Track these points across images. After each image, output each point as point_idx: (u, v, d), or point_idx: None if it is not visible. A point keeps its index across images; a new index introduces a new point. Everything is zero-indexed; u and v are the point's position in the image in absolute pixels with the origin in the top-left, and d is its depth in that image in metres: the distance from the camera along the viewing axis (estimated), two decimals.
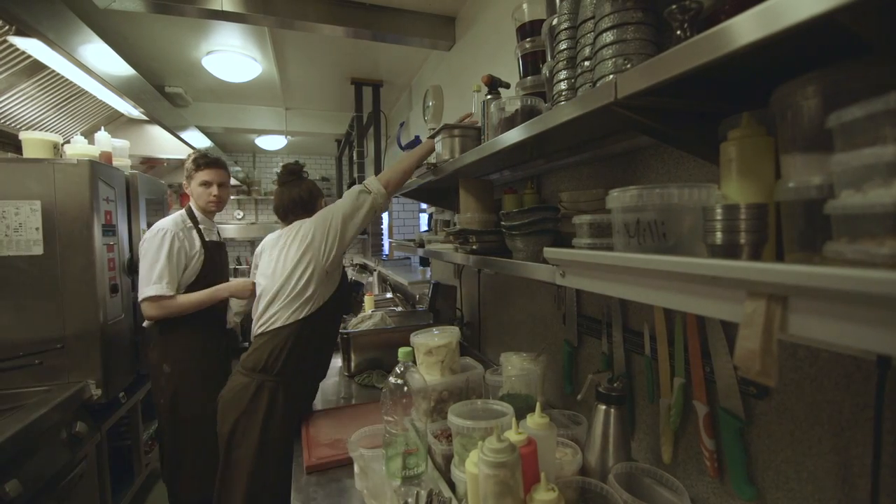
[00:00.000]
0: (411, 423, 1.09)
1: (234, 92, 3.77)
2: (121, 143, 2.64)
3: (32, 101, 2.30)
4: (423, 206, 3.04)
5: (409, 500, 0.99)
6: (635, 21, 0.66)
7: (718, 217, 0.54)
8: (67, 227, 1.98)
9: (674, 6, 0.58)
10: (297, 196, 1.63)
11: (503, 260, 1.09)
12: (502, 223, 1.09)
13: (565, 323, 1.40)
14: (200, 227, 2.00)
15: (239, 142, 5.39)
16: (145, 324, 1.93)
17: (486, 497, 0.81)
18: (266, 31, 2.61)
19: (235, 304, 2.05)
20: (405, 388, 1.09)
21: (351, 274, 3.41)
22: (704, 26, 0.47)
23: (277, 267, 1.50)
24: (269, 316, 1.49)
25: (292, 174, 1.68)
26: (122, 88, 2.27)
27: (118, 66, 2.21)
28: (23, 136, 2.11)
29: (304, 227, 1.51)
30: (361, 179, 3.42)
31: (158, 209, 2.96)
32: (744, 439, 0.84)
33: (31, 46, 1.72)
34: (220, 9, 2.02)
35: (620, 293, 0.63)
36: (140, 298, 1.82)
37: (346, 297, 1.74)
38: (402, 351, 1.15)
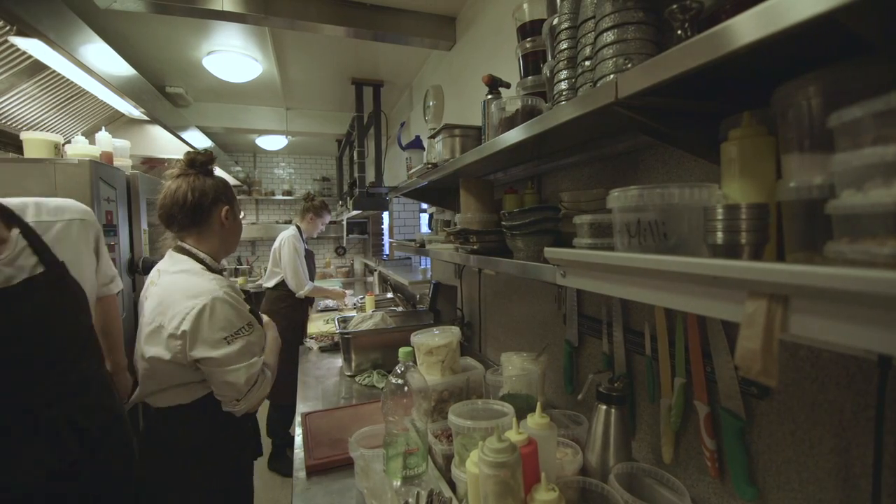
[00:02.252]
0: (412, 422, 1.09)
1: (234, 92, 3.77)
2: (122, 144, 2.64)
3: (33, 101, 2.30)
4: (424, 206, 3.04)
5: (410, 499, 0.99)
6: (636, 21, 0.66)
7: (719, 217, 0.54)
8: None
9: (674, 6, 0.58)
10: (181, 197, 1.23)
11: (504, 260, 1.09)
12: (503, 223, 1.09)
13: (566, 323, 1.40)
14: None
15: (240, 142, 5.39)
16: None
17: (486, 497, 0.81)
18: (266, 32, 2.61)
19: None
20: (406, 388, 1.09)
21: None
22: (705, 26, 0.47)
23: None
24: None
25: (192, 166, 1.28)
26: (123, 88, 2.27)
27: (119, 67, 2.21)
28: (24, 136, 2.12)
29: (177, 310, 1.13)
30: (362, 179, 3.42)
31: None
32: (745, 439, 0.84)
33: (32, 47, 1.72)
34: (220, 9, 2.02)
35: (621, 293, 0.63)
36: None
37: None
38: (402, 351, 1.15)
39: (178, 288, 1.17)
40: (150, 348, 1.14)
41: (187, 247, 1.27)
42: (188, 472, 1.21)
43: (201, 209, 1.26)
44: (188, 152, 1.31)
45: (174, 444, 1.21)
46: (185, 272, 1.22)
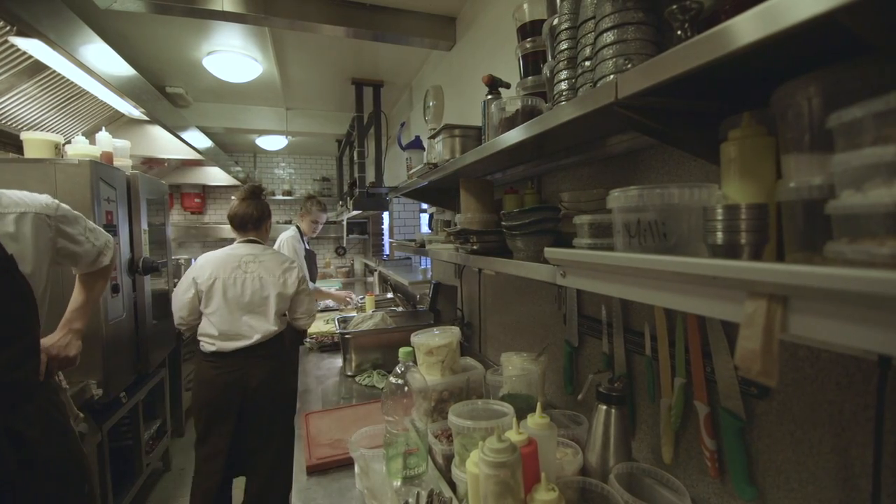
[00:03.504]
0: (412, 423, 1.09)
1: (234, 92, 3.77)
2: (122, 144, 2.64)
3: (33, 101, 2.31)
4: (424, 206, 3.03)
5: (410, 500, 0.99)
6: (636, 21, 0.66)
7: (719, 217, 0.54)
8: None
9: (674, 6, 0.58)
10: (251, 212, 2.12)
11: (504, 260, 1.09)
12: (503, 223, 1.09)
13: (566, 323, 1.40)
14: None
15: (240, 142, 5.38)
16: None
17: (486, 497, 0.81)
18: (266, 32, 2.61)
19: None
20: (406, 388, 1.09)
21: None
22: (705, 26, 0.47)
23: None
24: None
25: (254, 195, 2.15)
26: (123, 89, 2.27)
27: (119, 67, 2.21)
28: (24, 136, 2.12)
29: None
30: (362, 180, 3.43)
31: (159, 209, 2.96)
32: (744, 439, 0.84)
33: (32, 47, 1.72)
34: (220, 9, 2.02)
35: (621, 293, 0.63)
36: None
37: None
38: (402, 351, 1.15)
39: (283, 259, 2.13)
40: (291, 286, 2.07)
41: (256, 239, 2.15)
42: (292, 367, 2.26)
43: (260, 220, 2.16)
44: (251, 185, 2.19)
45: (281, 355, 2.13)
46: (276, 252, 2.19)
